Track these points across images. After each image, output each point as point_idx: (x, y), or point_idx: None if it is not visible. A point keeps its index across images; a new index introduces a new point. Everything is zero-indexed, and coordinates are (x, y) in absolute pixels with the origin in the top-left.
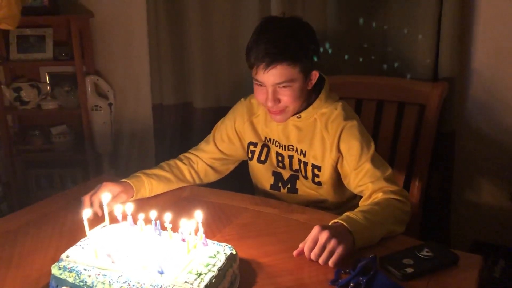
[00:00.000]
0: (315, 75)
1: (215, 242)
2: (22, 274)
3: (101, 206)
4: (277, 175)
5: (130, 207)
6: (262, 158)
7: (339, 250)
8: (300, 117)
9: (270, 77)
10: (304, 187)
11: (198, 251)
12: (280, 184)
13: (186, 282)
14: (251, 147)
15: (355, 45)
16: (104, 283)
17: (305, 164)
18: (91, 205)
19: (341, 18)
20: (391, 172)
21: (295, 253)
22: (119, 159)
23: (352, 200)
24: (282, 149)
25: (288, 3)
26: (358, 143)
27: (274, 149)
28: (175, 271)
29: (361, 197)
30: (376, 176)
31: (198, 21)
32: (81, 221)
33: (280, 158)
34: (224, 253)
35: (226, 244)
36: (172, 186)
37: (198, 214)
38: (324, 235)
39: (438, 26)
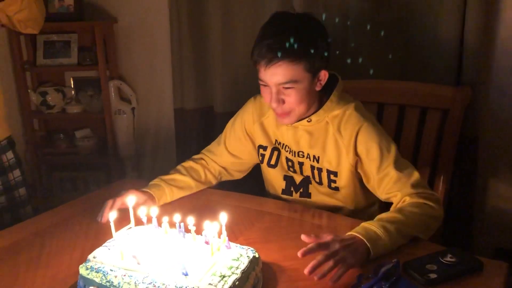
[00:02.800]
0: (324, 74)
1: (238, 245)
2: (51, 273)
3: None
4: (288, 179)
5: (154, 210)
6: (273, 162)
7: (342, 270)
8: (311, 120)
9: (272, 76)
10: (318, 192)
11: (221, 253)
12: (292, 189)
13: (210, 284)
14: (261, 151)
15: (377, 48)
16: (130, 284)
17: (320, 170)
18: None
19: (363, 19)
20: (418, 176)
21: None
22: (141, 163)
23: (368, 209)
24: (292, 155)
25: (309, 7)
26: (377, 145)
27: (284, 154)
28: (199, 273)
29: (378, 205)
30: (402, 182)
31: (219, 26)
32: (106, 223)
33: (290, 163)
34: (247, 256)
35: (248, 247)
36: (192, 190)
37: (222, 217)
38: (335, 262)
39: (462, 29)
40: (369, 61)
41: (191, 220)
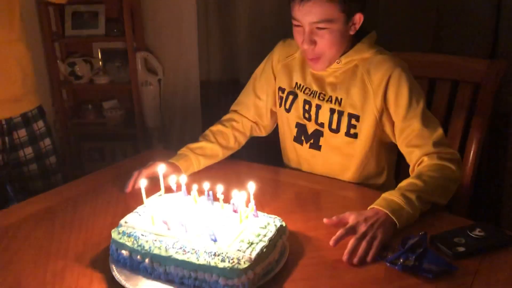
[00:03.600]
0: (359, 18)
1: (265, 213)
2: (84, 237)
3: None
4: (300, 127)
5: (183, 178)
6: (287, 106)
7: (376, 248)
8: (340, 61)
9: (305, 15)
10: (329, 146)
11: (249, 221)
12: (302, 138)
13: (238, 250)
14: (280, 93)
15: (406, 18)
16: (160, 248)
17: (340, 113)
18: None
19: None
20: (441, 133)
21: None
22: (167, 133)
23: (373, 179)
24: (312, 97)
25: None
26: (407, 94)
27: (302, 97)
28: (227, 239)
29: (385, 178)
30: (424, 137)
31: None
32: (136, 190)
33: (307, 107)
34: (274, 225)
35: (276, 216)
36: (218, 158)
37: (250, 186)
38: (368, 243)
39: (498, 1)
40: (399, 32)
41: (220, 188)
